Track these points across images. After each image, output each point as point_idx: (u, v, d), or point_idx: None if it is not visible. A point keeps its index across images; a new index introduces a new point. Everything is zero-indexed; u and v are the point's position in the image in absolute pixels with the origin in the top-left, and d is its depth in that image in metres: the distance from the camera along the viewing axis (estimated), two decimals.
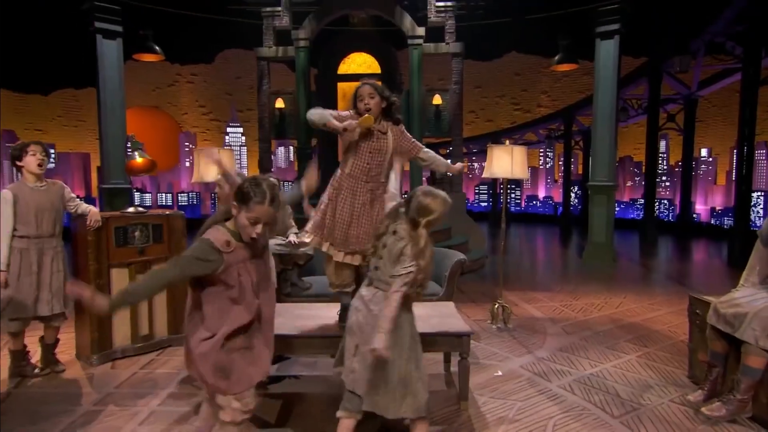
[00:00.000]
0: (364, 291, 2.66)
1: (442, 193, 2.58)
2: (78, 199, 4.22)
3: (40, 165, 3.86)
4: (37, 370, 4.08)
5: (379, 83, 3.21)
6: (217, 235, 2.25)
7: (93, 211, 4.17)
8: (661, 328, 5.32)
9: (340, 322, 3.29)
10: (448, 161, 3.48)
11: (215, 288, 2.28)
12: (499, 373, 4.12)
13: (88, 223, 4.12)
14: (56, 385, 3.93)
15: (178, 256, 2.30)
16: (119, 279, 4.37)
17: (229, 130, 20.18)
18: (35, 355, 4.19)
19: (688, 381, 3.91)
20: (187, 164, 18.56)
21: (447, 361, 4.11)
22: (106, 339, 4.32)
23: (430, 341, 3.42)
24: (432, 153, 3.35)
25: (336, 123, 3.00)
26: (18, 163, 3.87)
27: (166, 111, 19.34)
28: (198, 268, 2.21)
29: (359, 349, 2.59)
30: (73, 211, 4.12)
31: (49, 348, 4.15)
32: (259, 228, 2.23)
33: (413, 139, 3.29)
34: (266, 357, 2.43)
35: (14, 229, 3.78)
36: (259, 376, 2.39)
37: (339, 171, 3.21)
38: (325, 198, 3.21)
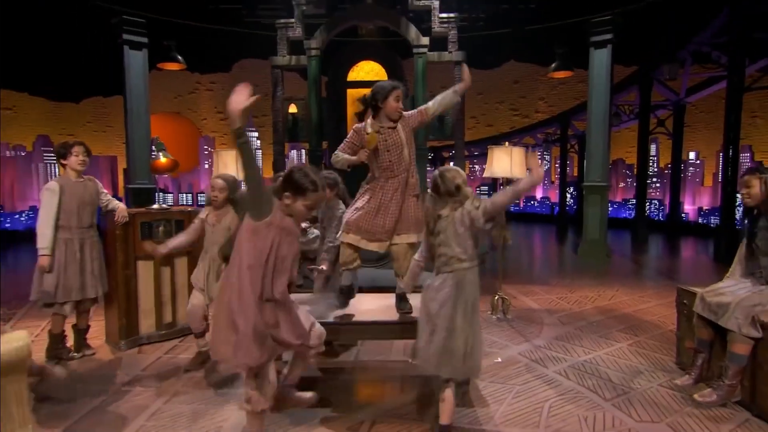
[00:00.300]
0: (436, 282, 2.67)
1: (443, 168, 2.70)
2: (109, 195, 4.31)
3: (81, 164, 4.03)
4: (72, 354, 4.14)
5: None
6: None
7: (121, 207, 4.24)
8: (651, 318, 5.31)
9: (341, 298, 3.38)
10: (454, 87, 3.24)
11: (246, 247, 2.34)
12: (499, 359, 4.13)
13: (116, 218, 4.19)
14: (88, 367, 3.99)
15: None
16: (144, 270, 4.42)
17: None
18: (68, 340, 4.24)
19: (675, 367, 3.91)
20: (206, 166, 18.66)
21: None
22: (133, 326, 4.37)
23: None
24: (435, 99, 3.23)
25: (354, 159, 3.12)
26: (63, 161, 4.02)
27: (187, 117, 19.43)
28: (264, 195, 2.33)
29: (433, 336, 2.62)
30: (104, 205, 4.20)
31: (81, 333, 4.22)
32: (314, 211, 2.47)
33: (415, 111, 3.23)
34: (253, 348, 2.35)
35: (58, 219, 3.88)
36: (255, 361, 2.36)
37: (369, 175, 3.25)
38: (356, 198, 3.27)
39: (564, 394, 3.47)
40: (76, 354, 4.15)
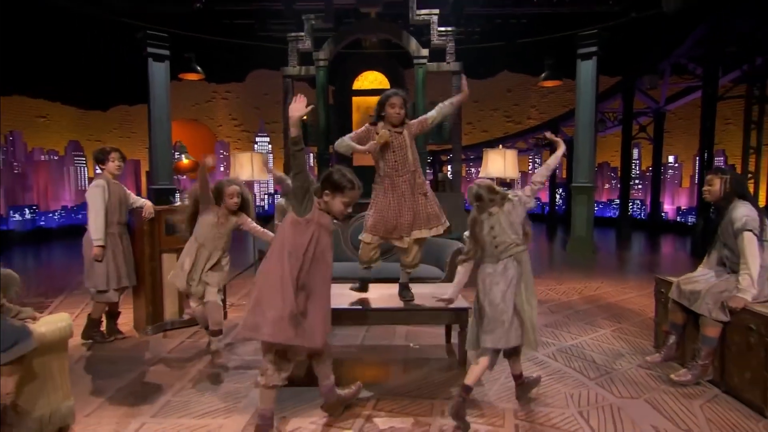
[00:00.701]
0: (499, 267, 2.74)
1: (477, 181, 2.87)
2: (134, 195, 4.40)
3: (118, 168, 4.13)
4: (104, 337, 4.22)
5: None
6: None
7: (148, 204, 4.32)
8: (632, 307, 5.37)
9: (359, 290, 3.47)
10: (452, 98, 3.33)
11: (288, 237, 2.42)
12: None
13: (143, 214, 4.26)
14: (119, 349, 4.07)
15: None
16: (169, 262, 4.45)
17: (257, 139, 20.24)
18: (101, 325, 4.31)
19: (653, 350, 3.96)
20: (222, 169, 18.72)
21: (448, 333, 4.18)
22: (158, 313, 4.44)
23: (434, 315, 3.51)
24: (435, 109, 3.30)
25: (360, 148, 3.16)
26: (101, 166, 4.10)
27: (204, 123, 19.49)
28: (308, 195, 2.44)
29: (512, 316, 2.70)
30: (132, 202, 4.28)
31: (113, 318, 4.30)
32: (350, 208, 2.52)
33: (418, 120, 3.31)
34: (288, 327, 2.38)
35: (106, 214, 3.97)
36: (287, 340, 2.38)
37: (376, 175, 3.31)
38: (372, 202, 3.32)
39: (552, 374, 3.53)
40: (107, 337, 4.23)
